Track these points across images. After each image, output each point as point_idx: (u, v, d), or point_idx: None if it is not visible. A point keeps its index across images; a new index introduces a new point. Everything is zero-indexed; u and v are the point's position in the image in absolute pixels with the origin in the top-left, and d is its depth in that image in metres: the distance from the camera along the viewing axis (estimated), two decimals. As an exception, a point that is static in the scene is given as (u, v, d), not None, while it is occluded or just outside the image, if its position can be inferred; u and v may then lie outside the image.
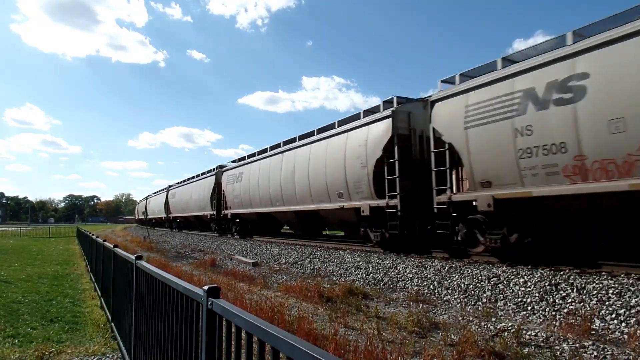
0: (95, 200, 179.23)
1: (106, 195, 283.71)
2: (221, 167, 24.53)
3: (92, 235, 10.55)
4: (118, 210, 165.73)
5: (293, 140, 16.28)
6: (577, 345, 5.02)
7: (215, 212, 23.68)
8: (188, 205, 29.62)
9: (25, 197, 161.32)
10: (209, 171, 26.73)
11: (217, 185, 23.53)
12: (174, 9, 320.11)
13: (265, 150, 18.64)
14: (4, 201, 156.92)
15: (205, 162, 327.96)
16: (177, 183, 35.57)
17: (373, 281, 9.54)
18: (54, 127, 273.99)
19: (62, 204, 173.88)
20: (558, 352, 4.92)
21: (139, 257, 3.71)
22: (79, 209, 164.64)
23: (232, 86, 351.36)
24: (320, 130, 14.54)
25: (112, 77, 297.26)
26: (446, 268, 8.64)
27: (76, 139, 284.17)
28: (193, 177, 30.03)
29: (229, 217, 21.84)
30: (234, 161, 23.07)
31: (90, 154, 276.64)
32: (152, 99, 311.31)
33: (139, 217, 54.35)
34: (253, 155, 20.00)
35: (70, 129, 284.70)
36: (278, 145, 17.46)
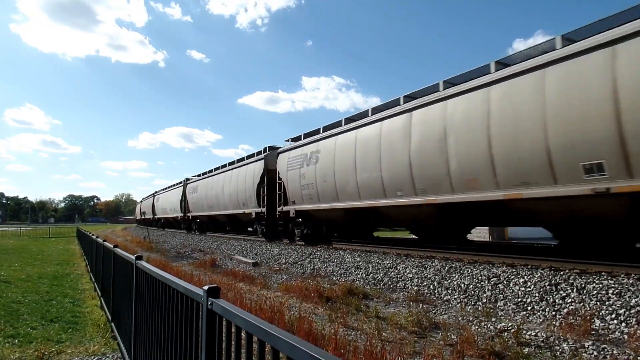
0: (95, 201, 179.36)
1: (106, 195, 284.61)
2: (272, 148, 18.58)
3: (92, 235, 10.55)
4: (118, 210, 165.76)
5: (432, 89, 10.07)
6: (577, 345, 5.02)
7: (264, 210, 17.95)
8: (217, 201, 23.73)
9: (25, 197, 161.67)
10: (251, 155, 20.65)
11: (269, 172, 17.84)
12: (173, 9, 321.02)
13: (364, 114, 12.63)
14: (4, 201, 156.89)
15: (205, 162, 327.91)
16: (198, 175, 29.61)
17: (373, 281, 9.54)
18: (53, 127, 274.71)
19: (62, 204, 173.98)
20: (558, 352, 4.92)
21: (139, 257, 3.71)
22: (79, 209, 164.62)
23: (232, 86, 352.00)
24: (501, 64, 8.46)
25: (112, 77, 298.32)
26: (446, 268, 8.64)
27: (76, 139, 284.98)
28: (224, 166, 24.13)
29: (291, 215, 15.83)
30: (294, 139, 16.52)
31: (90, 154, 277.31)
32: (152, 99, 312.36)
33: (140, 217, 54.24)
34: (336, 125, 13.87)
35: (70, 129, 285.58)
36: (394, 103, 11.30)
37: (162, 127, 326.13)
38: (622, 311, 5.57)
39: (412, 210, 10.75)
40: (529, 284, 6.95)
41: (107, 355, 4.95)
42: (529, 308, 6.53)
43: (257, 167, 18.74)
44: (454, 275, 8.27)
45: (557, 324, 5.86)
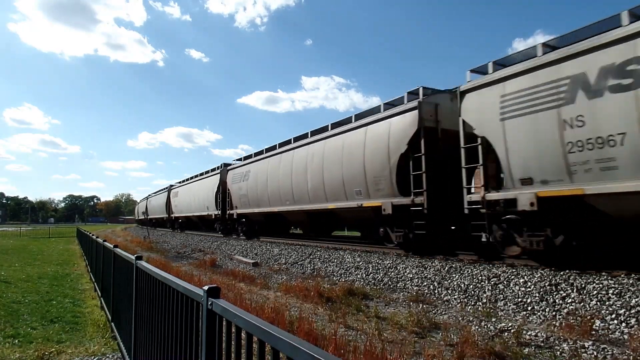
0: (95, 201, 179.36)
1: (106, 195, 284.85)
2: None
3: (92, 235, 10.55)
4: (118, 210, 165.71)
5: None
6: (577, 345, 5.02)
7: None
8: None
9: (25, 197, 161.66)
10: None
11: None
12: (172, 8, 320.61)
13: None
14: (4, 201, 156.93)
15: (204, 162, 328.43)
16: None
17: (373, 281, 9.54)
18: (52, 126, 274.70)
19: (62, 204, 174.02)
20: (558, 353, 4.92)
21: (139, 257, 3.71)
22: (79, 209, 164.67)
23: (232, 86, 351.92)
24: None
25: (111, 77, 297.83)
26: (446, 268, 8.64)
27: (75, 138, 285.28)
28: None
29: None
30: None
31: (89, 153, 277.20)
32: (151, 99, 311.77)
33: (139, 217, 54.33)
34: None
35: (69, 128, 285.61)
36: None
37: (161, 127, 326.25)
38: (622, 311, 5.57)
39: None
40: (529, 284, 6.95)
41: (107, 355, 4.95)
42: (529, 308, 6.53)
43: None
44: (454, 275, 8.27)
45: (557, 324, 5.86)
